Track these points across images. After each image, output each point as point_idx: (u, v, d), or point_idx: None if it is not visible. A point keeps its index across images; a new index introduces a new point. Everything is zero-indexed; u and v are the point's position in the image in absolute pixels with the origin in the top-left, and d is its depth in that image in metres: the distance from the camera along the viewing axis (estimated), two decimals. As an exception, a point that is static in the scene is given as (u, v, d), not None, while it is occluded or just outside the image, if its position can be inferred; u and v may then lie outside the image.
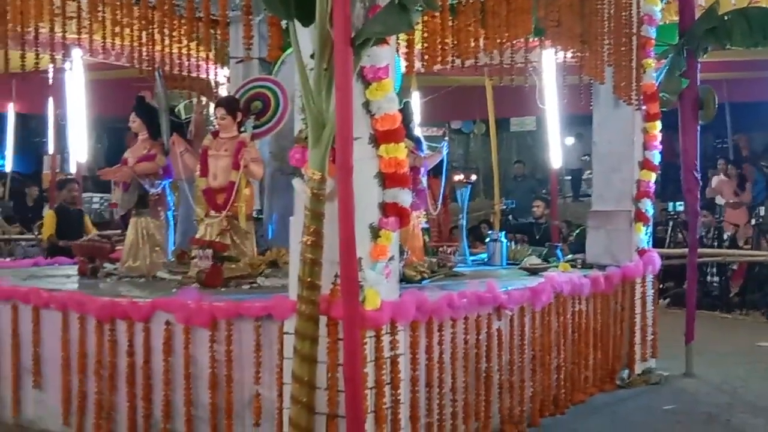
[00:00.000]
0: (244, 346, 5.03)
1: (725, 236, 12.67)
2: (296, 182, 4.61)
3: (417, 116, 10.11)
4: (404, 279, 5.89)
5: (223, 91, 8.28)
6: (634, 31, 7.34)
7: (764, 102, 15.30)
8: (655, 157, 7.67)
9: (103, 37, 6.75)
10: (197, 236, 6.41)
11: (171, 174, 6.93)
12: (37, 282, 6.39)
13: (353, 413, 4.23)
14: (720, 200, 14.12)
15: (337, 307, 4.40)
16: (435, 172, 7.97)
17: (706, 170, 12.30)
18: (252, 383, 4.99)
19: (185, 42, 7.32)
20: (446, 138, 9.61)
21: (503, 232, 8.48)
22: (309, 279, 4.36)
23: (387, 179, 4.57)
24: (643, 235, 7.59)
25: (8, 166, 16.48)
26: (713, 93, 7.94)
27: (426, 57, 5.87)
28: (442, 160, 7.61)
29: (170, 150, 6.86)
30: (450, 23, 5.85)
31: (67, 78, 12.06)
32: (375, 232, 4.54)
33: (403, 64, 5.96)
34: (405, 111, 5.88)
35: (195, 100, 8.28)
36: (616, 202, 7.65)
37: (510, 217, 14.28)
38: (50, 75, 11.59)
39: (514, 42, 6.31)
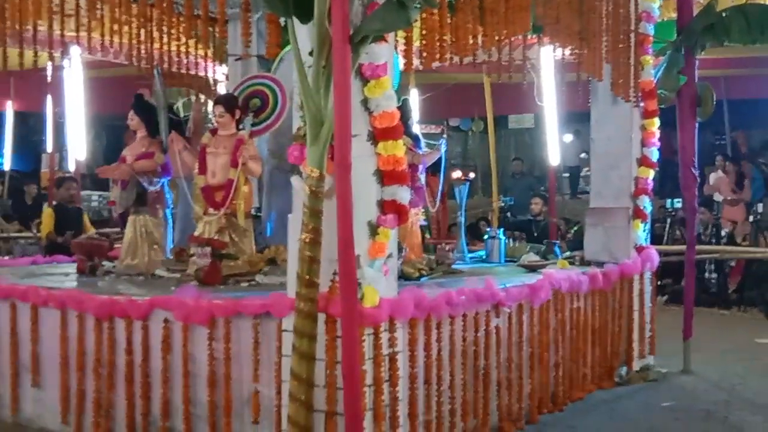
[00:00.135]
0: (242, 343, 5.02)
1: (723, 233, 12.70)
2: (295, 180, 4.61)
3: (415, 113, 10.10)
4: (403, 276, 5.90)
5: (221, 89, 8.29)
6: (632, 28, 7.35)
7: (762, 99, 15.33)
8: (653, 154, 7.68)
9: (102, 35, 6.74)
10: (196, 234, 6.42)
11: (169, 172, 6.93)
12: (36, 280, 6.38)
13: (352, 411, 4.24)
14: (718, 197, 14.13)
15: (336, 305, 4.40)
16: (434, 170, 7.96)
17: (703, 167, 12.33)
18: (250, 381, 4.99)
19: (184, 40, 7.32)
20: (444, 135, 9.63)
21: (501, 230, 8.49)
22: (307, 276, 4.36)
23: (385, 176, 4.57)
24: (641, 232, 7.60)
25: (7, 165, 16.49)
26: (711, 90, 7.95)
27: (424, 54, 5.87)
28: (440, 158, 7.61)
29: (169, 148, 6.86)
30: (448, 20, 5.84)
31: (66, 76, 12.07)
32: (373, 230, 4.54)
33: (401, 61, 5.95)
34: (403, 108, 5.86)
35: (193, 97, 8.29)
36: (614, 199, 7.66)
37: (508, 214, 14.29)
38: (49, 73, 11.62)
39: (513, 39, 6.31)
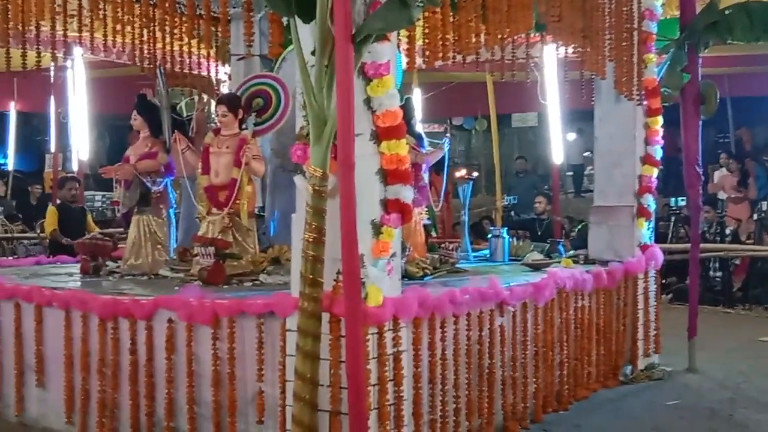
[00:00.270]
0: (246, 343, 5.03)
1: (727, 231, 12.66)
2: (298, 179, 4.61)
3: (418, 112, 10.10)
4: (406, 275, 5.89)
5: (224, 89, 8.28)
6: (635, 26, 7.34)
7: (766, 96, 15.29)
8: (657, 153, 7.66)
9: (105, 35, 6.77)
10: (199, 234, 6.41)
11: (173, 172, 6.93)
12: (40, 280, 6.39)
13: (356, 410, 4.23)
14: (722, 195, 14.11)
15: (340, 304, 4.40)
16: (437, 169, 7.96)
17: (707, 165, 12.30)
18: (255, 380, 4.99)
19: (186, 39, 7.32)
20: (448, 134, 9.62)
21: (505, 228, 8.48)
22: (311, 276, 4.35)
23: (388, 176, 4.57)
24: (645, 230, 7.59)
25: (10, 165, 16.50)
26: (715, 88, 7.94)
27: (427, 53, 5.87)
28: (443, 157, 7.60)
29: (172, 148, 6.87)
30: (451, 19, 5.84)
31: (69, 76, 12.08)
32: (377, 229, 4.53)
33: (404, 60, 5.96)
34: (406, 107, 5.86)
35: (196, 97, 8.28)
36: (618, 197, 7.64)
37: (512, 213, 14.26)
38: (52, 73, 11.63)
39: (515, 37, 6.31)
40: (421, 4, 4.53)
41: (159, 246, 6.89)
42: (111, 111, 14.83)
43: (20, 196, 15.69)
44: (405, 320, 4.79)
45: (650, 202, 7.59)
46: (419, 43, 6.03)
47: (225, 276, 6.02)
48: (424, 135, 7.50)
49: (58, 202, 10.24)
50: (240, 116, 6.45)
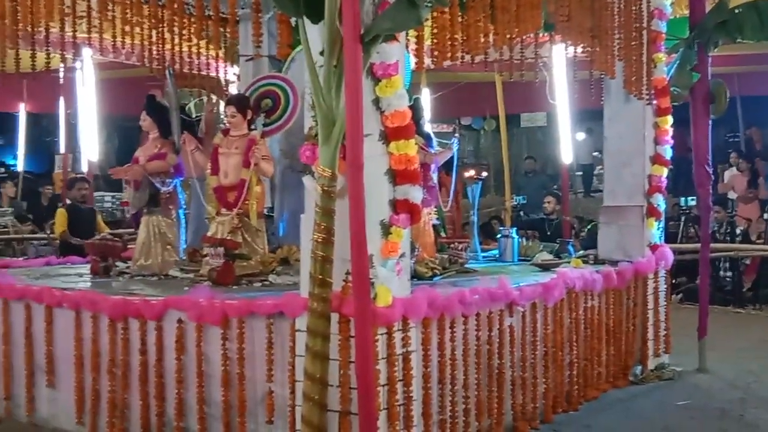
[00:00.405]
0: (256, 343, 5.03)
1: (738, 231, 12.62)
2: (307, 179, 4.61)
3: (427, 113, 10.10)
4: (416, 276, 5.89)
5: (233, 90, 8.29)
6: (645, 25, 7.31)
7: (776, 96, 15.25)
8: (667, 152, 7.64)
9: (114, 36, 6.77)
10: (209, 234, 6.42)
11: (182, 172, 6.94)
12: (50, 281, 6.41)
13: (365, 410, 4.23)
14: (732, 195, 14.06)
15: (349, 304, 4.40)
16: (446, 169, 7.95)
17: (717, 165, 12.26)
18: (264, 381, 5.00)
19: (195, 40, 7.34)
20: (456, 134, 9.60)
21: (514, 228, 8.47)
22: (320, 276, 4.35)
23: (397, 176, 4.56)
24: (655, 230, 7.57)
25: (20, 166, 16.56)
26: (725, 87, 7.91)
27: (435, 53, 5.86)
28: (452, 157, 7.60)
29: (181, 148, 6.88)
30: (459, 19, 5.83)
31: (78, 77, 12.11)
32: (386, 229, 4.53)
33: (412, 60, 5.95)
34: (415, 107, 5.85)
35: (205, 98, 8.30)
36: (627, 197, 7.63)
37: (521, 213, 14.25)
38: (61, 74, 11.67)
39: (524, 37, 6.30)
40: (429, 4, 4.53)
41: (168, 246, 6.91)
42: (120, 112, 14.88)
43: (31, 197, 15.75)
44: (414, 320, 4.79)
45: (660, 201, 7.57)
46: (428, 43, 6.02)
47: (234, 276, 6.03)
48: (432, 135, 7.49)
49: (68, 202, 10.27)
50: (249, 117, 6.46)
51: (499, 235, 8.43)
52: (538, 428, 5.94)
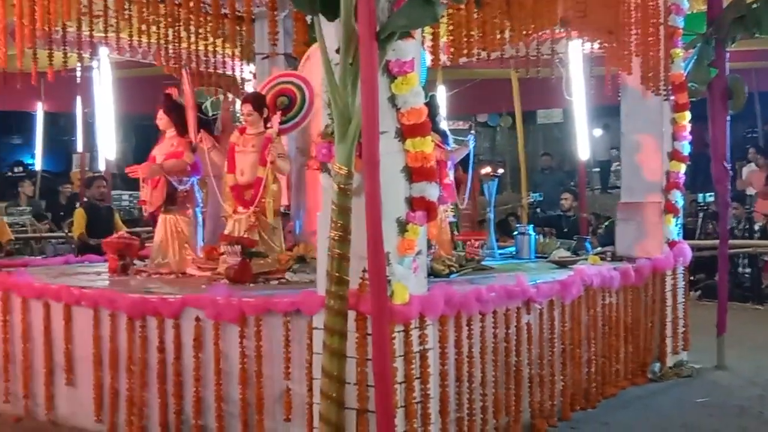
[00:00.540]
0: (273, 341, 5.04)
1: (756, 227, 12.53)
2: (323, 177, 4.61)
3: (443, 110, 10.08)
4: (432, 273, 5.88)
5: (249, 88, 8.31)
6: (662, 20, 7.27)
7: (795, 91, 15.14)
8: (685, 148, 7.59)
9: (130, 35, 6.80)
10: (225, 232, 6.45)
11: (199, 171, 6.96)
12: (68, 279, 6.44)
13: (383, 408, 4.22)
14: (751, 191, 13.97)
15: (366, 302, 4.40)
16: (463, 166, 7.93)
17: (735, 161, 12.19)
18: (282, 378, 5.00)
19: (211, 39, 7.35)
20: (472, 131, 9.61)
21: (531, 225, 8.45)
22: (337, 274, 4.35)
23: (414, 173, 4.56)
24: (673, 226, 7.52)
25: (38, 165, 16.66)
26: (742, 82, 7.86)
27: (451, 50, 5.86)
28: (468, 154, 7.58)
29: (197, 147, 6.90)
30: (475, 15, 5.83)
31: (95, 76, 12.16)
32: (402, 227, 4.53)
33: (428, 57, 5.95)
34: (431, 104, 5.85)
35: (221, 96, 8.32)
36: (645, 193, 7.58)
37: (538, 210, 14.23)
38: (78, 73, 11.73)
39: (540, 33, 6.28)
40: (445, 1, 4.51)
41: (186, 245, 6.92)
42: (137, 111, 14.92)
43: (49, 196, 15.84)
44: (431, 318, 4.79)
45: (678, 198, 7.53)
46: (444, 39, 6.01)
47: (251, 274, 6.04)
48: (448, 132, 7.49)
49: (86, 201, 10.32)
50: (265, 115, 6.47)
51: (515, 233, 8.41)
52: (556, 426, 5.92)
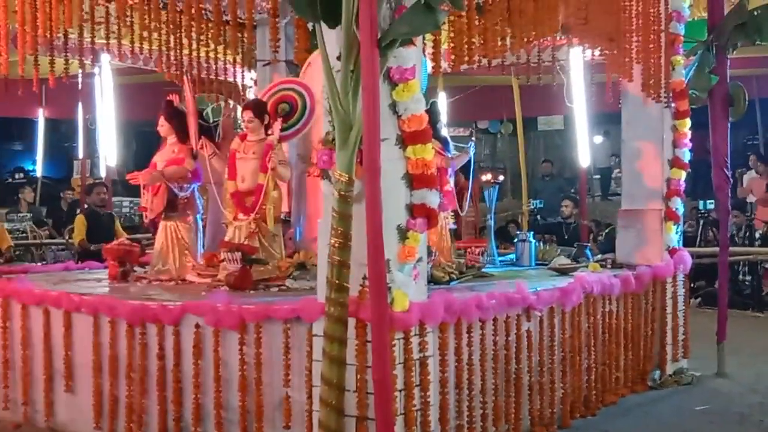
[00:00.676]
0: (273, 348, 5.03)
1: (757, 234, 12.53)
2: (324, 184, 4.61)
3: (444, 116, 10.08)
4: (432, 280, 5.88)
5: (250, 94, 8.32)
6: (663, 27, 7.27)
7: (796, 98, 15.13)
8: (685, 155, 7.59)
9: (132, 42, 6.80)
10: (226, 239, 6.45)
11: (200, 177, 6.96)
12: (68, 286, 6.44)
13: (383, 415, 4.22)
14: (751, 198, 13.96)
15: (366, 309, 4.39)
16: (463, 173, 7.93)
17: (736, 167, 12.18)
18: (281, 386, 4.99)
19: (212, 45, 7.36)
20: (473, 138, 9.61)
21: (531, 232, 8.44)
22: (337, 281, 4.35)
23: (414, 180, 4.56)
24: (673, 234, 7.52)
25: (39, 171, 16.67)
26: (743, 89, 7.86)
27: (452, 57, 5.86)
28: (469, 161, 7.58)
29: (198, 153, 6.90)
30: (476, 22, 5.83)
31: (96, 83, 12.18)
32: (403, 234, 4.53)
33: (429, 64, 5.95)
34: (432, 111, 5.86)
35: (223, 103, 8.33)
36: (645, 200, 7.58)
37: (538, 216, 14.22)
38: (80, 80, 11.75)
39: (541, 40, 6.28)
40: (446, 8, 4.52)
41: (186, 251, 6.92)
42: (138, 117, 14.94)
43: (49, 202, 15.85)
44: (431, 325, 4.78)
45: (678, 205, 7.53)
46: (445, 46, 6.02)
47: (252, 281, 6.04)
48: (449, 139, 7.49)
49: (87, 207, 10.32)
50: (266, 122, 6.47)
51: (516, 239, 8.41)
52: (555, 433, 5.92)
